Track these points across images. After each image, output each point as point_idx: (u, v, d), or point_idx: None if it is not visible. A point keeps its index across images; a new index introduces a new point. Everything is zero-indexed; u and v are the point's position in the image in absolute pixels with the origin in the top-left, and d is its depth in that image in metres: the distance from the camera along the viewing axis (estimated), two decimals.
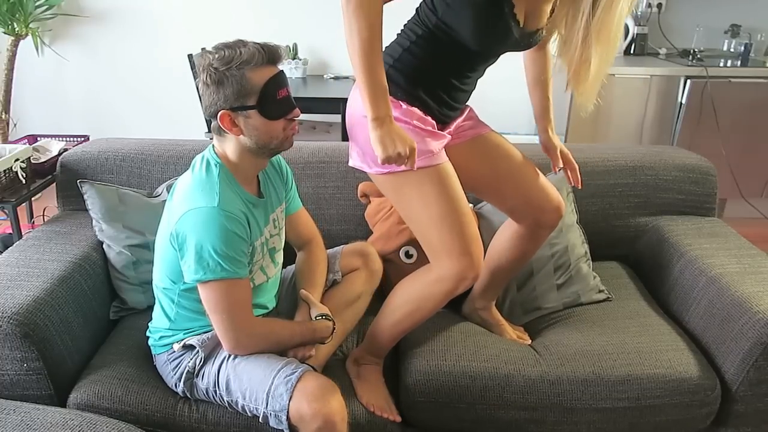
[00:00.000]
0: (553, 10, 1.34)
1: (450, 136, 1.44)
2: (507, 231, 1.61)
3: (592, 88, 1.33)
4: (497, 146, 1.53)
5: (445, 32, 1.31)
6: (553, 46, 1.48)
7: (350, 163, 1.46)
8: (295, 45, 3.60)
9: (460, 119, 1.49)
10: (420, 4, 1.37)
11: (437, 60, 1.36)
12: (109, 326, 1.68)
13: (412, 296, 1.45)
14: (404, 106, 1.35)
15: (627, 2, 1.22)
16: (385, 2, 1.21)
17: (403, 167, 1.25)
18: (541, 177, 1.54)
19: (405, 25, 1.40)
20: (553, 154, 1.60)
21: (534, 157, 1.60)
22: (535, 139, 1.68)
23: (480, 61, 1.39)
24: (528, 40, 1.35)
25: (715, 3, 3.47)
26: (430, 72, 1.36)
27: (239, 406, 1.34)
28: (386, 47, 1.42)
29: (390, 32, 1.42)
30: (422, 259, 1.45)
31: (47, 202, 2.53)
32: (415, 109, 1.35)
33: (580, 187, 1.62)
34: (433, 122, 1.38)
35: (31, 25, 3.41)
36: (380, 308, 1.52)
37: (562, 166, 1.60)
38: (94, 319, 1.61)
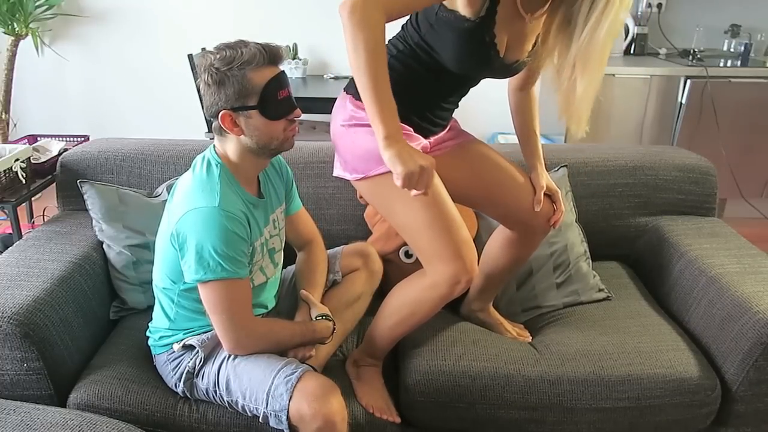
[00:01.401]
0: (534, 44, 1.35)
1: (427, 141, 1.44)
2: (500, 236, 1.61)
3: (581, 111, 1.29)
4: (481, 154, 1.53)
5: (426, 52, 1.32)
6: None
7: (334, 173, 1.46)
8: (295, 45, 3.60)
9: (442, 133, 1.49)
10: (406, 21, 1.37)
11: (417, 77, 1.36)
12: (109, 326, 1.68)
13: (407, 301, 1.45)
14: None
15: (611, 30, 1.19)
16: (388, 21, 1.17)
17: (419, 192, 1.17)
18: (531, 182, 1.54)
19: (389, 39, 1.41)
20: (538, 195, 1.50)
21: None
22: None
23: (460, 82, 1.40)
24: (508, 69, 1.36)
25: (715, 3, 3.47)
26: (410, 88, 1.37)
27: (239, 406, 1.34)
28: None
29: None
30: None
31: (47, 202, 2.53)
32: None
33: (553, 229, 1.57)
34: (410, 128, 1.38)
35: (31, 25, 3.41)
36: (377, 311, 1.51)
37: (538, 209, 1.51)
38: (94, 319, 1.61)
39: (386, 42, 1.40)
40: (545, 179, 1.53)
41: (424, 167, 1.13)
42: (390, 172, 1.31)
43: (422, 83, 1.37)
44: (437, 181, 1.36)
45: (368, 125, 1.36)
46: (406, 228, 1.38)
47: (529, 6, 1.28)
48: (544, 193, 1.53)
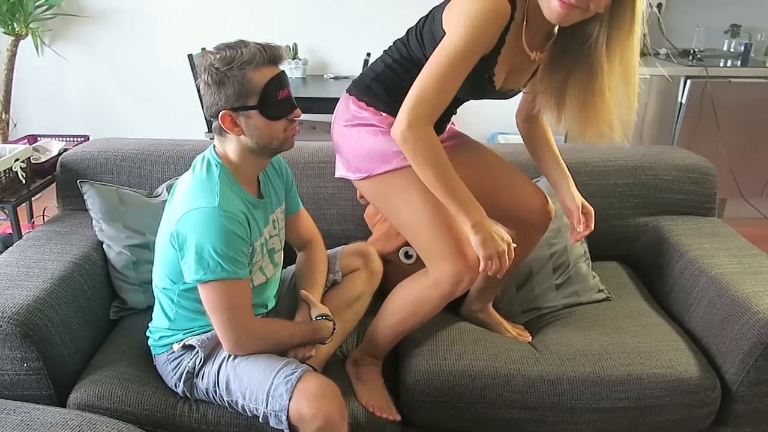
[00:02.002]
0: (532, 76, 1.37)
1: None
2: None
3: (630, 118, 1.32)
4: (478, 155, 1.53)
5: None
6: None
7: (336, 174, 1.47)
8: (295, 45, 3.60)
9: (439, 136, 1.49)
10: (411, 30, 1.37)
11: None
12: (109, 326, 1.68)
13: (409, 300, 1.45)
14: (384, 114, 1.36)
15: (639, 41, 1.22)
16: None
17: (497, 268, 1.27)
18: (527, 181, 1.54)
19: (394, 42, 1.41)
20: (576, 215, 1.49)
21: (530, 158, 1.60)
22: None
23: (455, 100, 1.41)
24: (503, 95, 1.38)
25: (715, 3, 3.47)
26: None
27: (239, 406, 1.34)
28: (372, 62, 1.44)
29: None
30: (422, 260, 1.45)
31: (47, 202, 2.53)
32: (393, 118, 1.36)
33: (572, 243, 1.57)
34: None
35: (31, 25, 3.41)
36: (378, 310, 1.51)
37: (581, 230, 1.51)
38: (94, 319, 1.61)
39: (392, 44, 1.41)
40: (579, 198, 1.52)
41: (500, 252, 1.26)
42: (393, 170, 1.33)
43: None
44: None
45: (371, 125, 1.37)
46: (409, 226, 1.38)
47: (534, 44, 1.29)
48: (543, 195, 1.53)
